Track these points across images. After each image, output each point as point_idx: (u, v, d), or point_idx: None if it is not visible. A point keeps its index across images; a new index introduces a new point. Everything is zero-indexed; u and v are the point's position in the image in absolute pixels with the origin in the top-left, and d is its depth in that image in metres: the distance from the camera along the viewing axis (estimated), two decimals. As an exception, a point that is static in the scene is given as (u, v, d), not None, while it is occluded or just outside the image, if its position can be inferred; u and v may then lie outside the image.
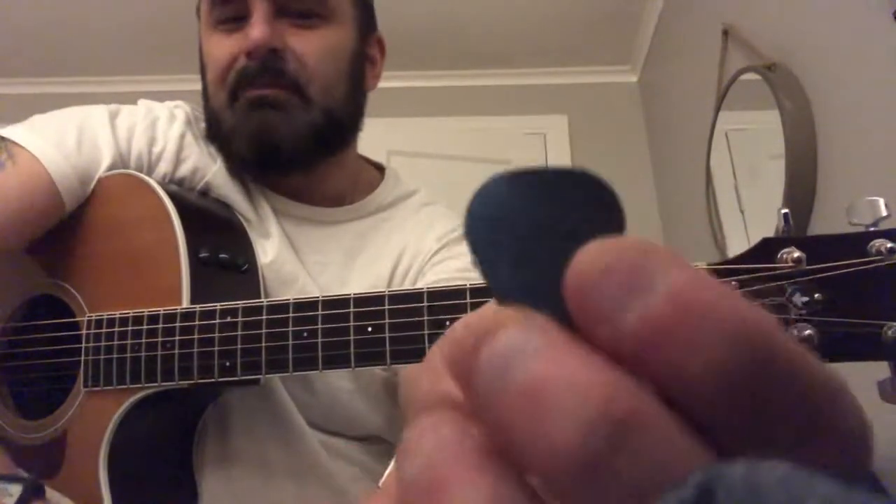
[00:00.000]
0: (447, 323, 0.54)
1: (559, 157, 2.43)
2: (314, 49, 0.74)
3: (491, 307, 0.14)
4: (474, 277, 0.74)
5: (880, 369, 0.37)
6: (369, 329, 0.56)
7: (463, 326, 0.15)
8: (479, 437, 0.13)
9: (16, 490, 0.62)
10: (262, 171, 0.77)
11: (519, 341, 0.12)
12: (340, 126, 0.78)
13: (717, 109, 1.70)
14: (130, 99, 0.83)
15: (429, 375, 0.16)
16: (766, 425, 0.12)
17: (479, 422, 0.13)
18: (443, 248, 0.77)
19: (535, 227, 0.14)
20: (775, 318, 0.12)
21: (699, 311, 0.11)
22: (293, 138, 0.73)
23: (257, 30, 0.71)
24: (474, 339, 0.13)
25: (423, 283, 0.74)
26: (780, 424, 0.12)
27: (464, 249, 0.78)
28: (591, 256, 0.12)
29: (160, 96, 0.85)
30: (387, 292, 0.57)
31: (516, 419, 0.12)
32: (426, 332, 0.54)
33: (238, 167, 0.78)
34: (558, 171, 0.15)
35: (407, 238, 0.79)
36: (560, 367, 0.12)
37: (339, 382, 0.72)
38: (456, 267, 0.74)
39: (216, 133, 0.77)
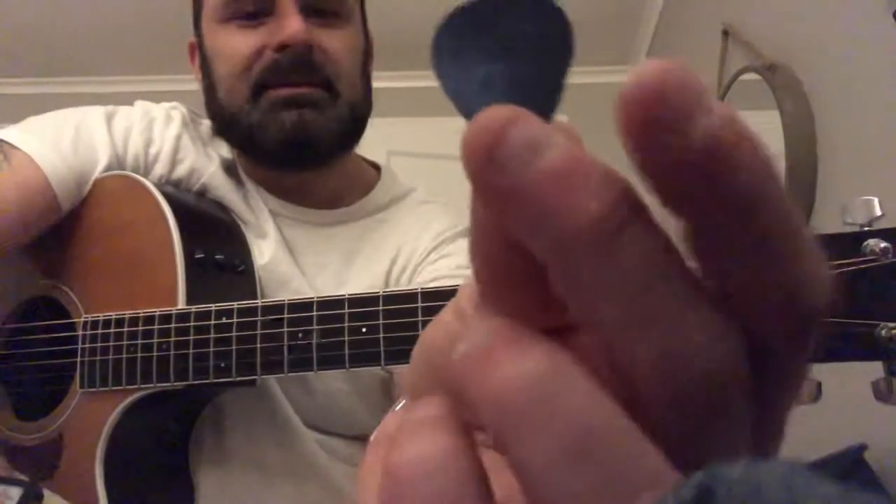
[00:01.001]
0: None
1: (559, 157, 2.42)
2: (339, 46, 0.75)
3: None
4: (469, 276, 0.74)
5: (874, 370, 0.37)
6: (364, 330, 0.56)
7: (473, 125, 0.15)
8: (526, 325, 0.14)
9: (15, 493, 0.62)
10: (284, 165, 0.77)
11: (544, 128, 0.13)
12: (361, 121, 0.79)
13: (717, 109, 1.69)
14: (128, 99, 0.83)
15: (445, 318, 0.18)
16: (763, 239, 0.13)
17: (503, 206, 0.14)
18: (438, 246, 0.77)
19: (498, 48, 0.16)
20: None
21: (742, 135, 0.13)
22: (328, 135, 0.74)
23: (294, 24, 0.71)
24: (497, 126, 0.13)
25: (419, 281, 0.74)
26: (771, 235, 0.13)
27: (459, 247, 0.78)
28: (663, 68, 0.13)
29: (158, 97, 0.85)
30: (381, 293, 0.57)
31: (549, 192, 0.13)
32: (421, 332, 0.54)
33: (259, 161, 0.78)
34: None
35: (404, 236, 0.79)
36: (582, 153, 0.13)
37: (337, 383, 0.72)
38: (453, 264, 0.75)
39: (231, 128, 0.76)
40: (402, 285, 0.76)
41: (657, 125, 0.13)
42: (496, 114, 0.13)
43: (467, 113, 0.15)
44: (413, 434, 0.15)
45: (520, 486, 0.13)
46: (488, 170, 0.13)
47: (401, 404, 0.21)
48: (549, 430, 0.12)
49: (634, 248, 0.13)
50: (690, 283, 0.13)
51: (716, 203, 0.13)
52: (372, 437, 0.20)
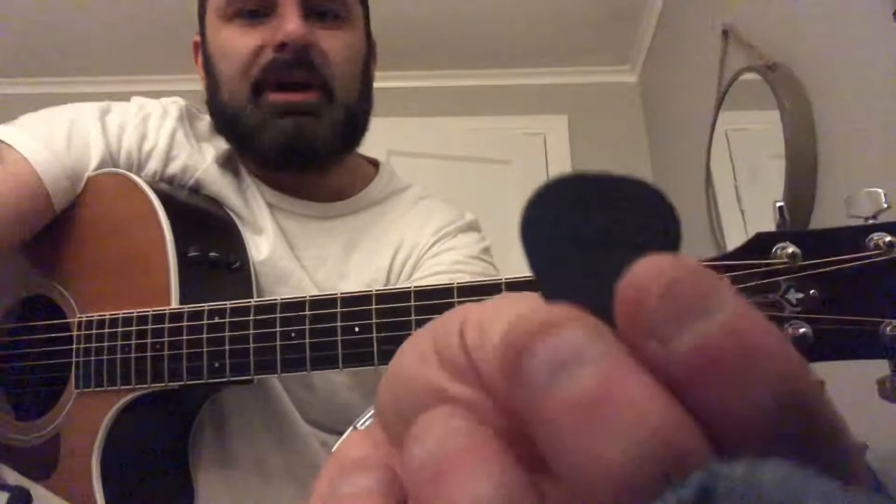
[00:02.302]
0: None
1: (559, 157, 2.43)
2: (338, 48, 0.75)
3: (533, 301, 0.13)
4: (469, 270, 0.74)
5: (879, 367, 0.37)
6: (356, 329, 0.56)
7: (488, 316, 0.14)
8: (490, 431, 0.13)
9: (2, 498, 0.62)
10: (284, 169, 0.78)
11: (579, 344, 0.12)
12: (358, 124, 0.79)
13: (717, 109, 1.70)
14: (125, 99, 0.83)
15: (421, 367, 0.16)
16: (791, 455, 0.12)
17: (507, 416, 0.13)
18: (439, 241, 0.78)
19: (594, 232, 0.14)
20: (807, 363, 0.12)
21: (752, 347, 0.11)
22: (324, 141, 0.74)
23: (294, 23, 0.72)
24: (524, 332, 0.12)
25: (419, 275, 0.74)
26: (803, 456, 0.12)
27: (459, 242, 0.78)
28: (651, 270, 0.12)
29: (157, 97, 0.85)
30: (374, 292, 0.57)
31: (569, 426, 0.11)
32: (414, 331, 0.54)
33: (259, 162, 0.78)
34: (618, 179, 0.15)
35: (404, 231, 0.79)
36: (620, 381, 0.11)
37: (338, 377, 0.72)
38: (451, 259, 0.75)
39: (232, 127, 0.77)
40: (404, 279, 0.76)
41: (640, 328, 0.12)
42: (535, 315, 0.12)
43: (543, 297, 0.14)
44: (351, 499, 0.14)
45: None
46: (513, 381, 0.12)
47: (366, 418, 0.21)
48: None
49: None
50: None
51: (721, 412, 0.11)
52: (333, 449, 0.19)
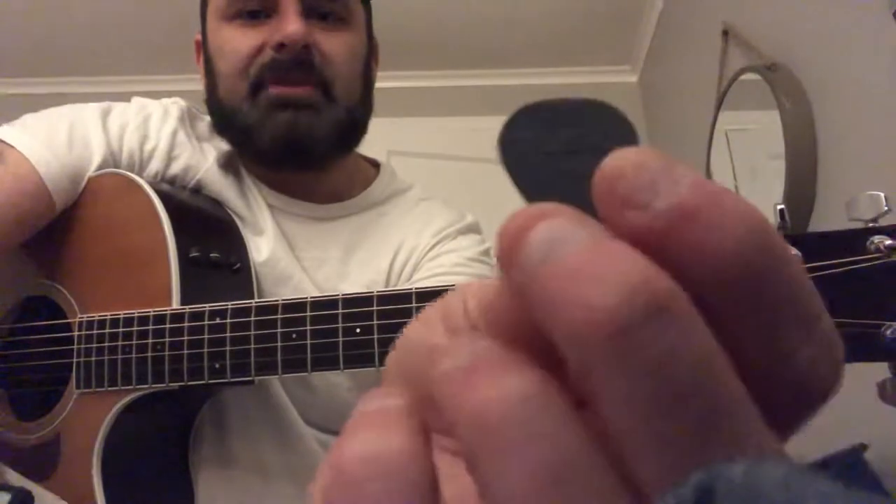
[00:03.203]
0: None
1: (559, 157, 2.43)
2: (339, 49, 0.75)
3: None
4: (469, 272, 0.74)
5: (880, 370, 0.37)
6: (357, 330, 0.56)
7: (488, 288, 0.16)
8: (514, 350, 0.14)
9: (4, 499, 0.62)
10: (281, 167, 0.78)
11: (566, 226, 0.13)
12: (358, 125, 0.79)
13: (717, 109, 1.69)
14: (126, 99, 0.83)
15: (427, 334, 0.17)
16: (765, 310, 0.13)
17: (518, 301, 0.14)
18: (439, 243, 0.78)
19: (562, 143, 0.17)
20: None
21: (719, 200, 0.13)
22: (323, 138, 0.74)
23: (294, 24, 0.72)
24: (516, 225, 0.14)
25: (419, 277, 0.74)
26: (776, 310, 0.13)
27: (459, 244, 0.78)
28: (625, 155, 0.14)
29: (157, 97, 0.85)
30: (375, 293, 0.57)
31: (560, 287, 0.12)
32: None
33: (256, 160, 0.78)
34: (579, 101, 0.17)
35: (405, 232, 0.79)
36: (605, 247, 0.13)
37: (338, 378, 0.72)
38: (451, 262, 0.75)
39: (230, 126, 0.77)
40: (404, 280, 0.76)
41: (619, 202, 0.13)
42: (527, 210, 0.14)
43: (526, 203, 0.16)
44: (366, 426, 0.14)
45: None
46: (510, 266, 0.14)
47: None
48: (522, 455, 0.12)
49: (655, 350, 0.12)
50: (729, 400, 0.12)
51: (698, 271, 0.13)
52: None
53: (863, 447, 1.03)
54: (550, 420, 0.13)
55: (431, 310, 0.18)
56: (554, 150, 0.17)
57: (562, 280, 0.13)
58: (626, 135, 0.17)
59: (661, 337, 0.12)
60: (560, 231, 0.13)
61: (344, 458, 0.14)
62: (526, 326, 0.14)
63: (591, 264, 0.12)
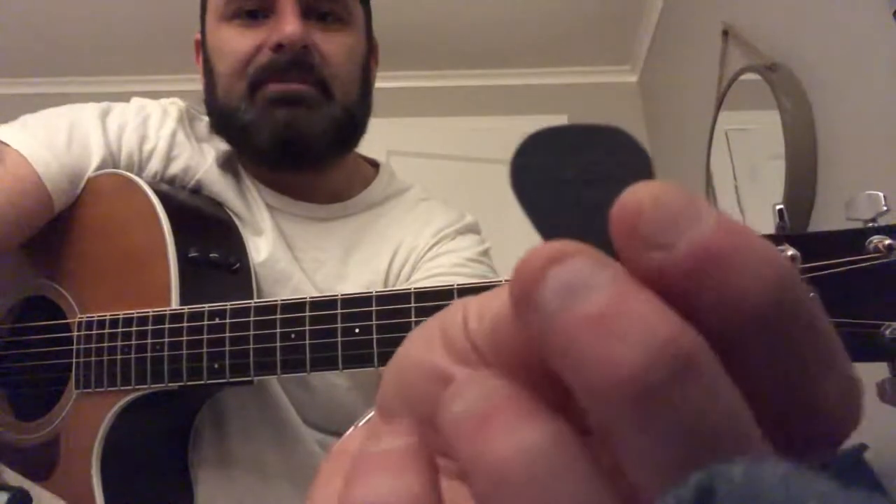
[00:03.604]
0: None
1: (559, 157, 2.42)
2: (337, 50, 0.75)
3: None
4: (467, 273, 0.74)
5: (879, 370, 0.37)
6: (356, 330, 0.56)
7: (488, 303, 0.15)
8: (525, 390, 0.13)
9: (2, 498, 0.62)
10: (279, 165, 0.77)
11: (587, 270, 0.13)
12: (356, 125, 0.79)
13: (717, 109, 1.69)
14: (125, 99, 0.83)
15: (426, 353, 0.16)
16: (791, 354, 0.13)
17: (535, 349, 0.13)
18: (438, 244, 0.77)
19: (575, 172, 0.16)
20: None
21: (747, 241, 0.12)
22: (320, 135, 0.74)
23: (292, 25, 0.72)
24: (533, 265, 0.13)
25: (418, 277, 0.74)
26: (801, 353, 0.13)
27: (458, 245, 0.78)
28: (643, 190, 0.13)
29: (157, 97, 0.85)
30: (374, 293, 0.57)
31: (582, 340, 0.12)
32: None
33: (254, 160, 0.78)
34: (591, 126, 0.17)
35: (403, 233, 0.79)
36: (628, 297, 0.12)
37: (337, 379, 0.72)
38: (450, 262, 0.75)
39: (228, 125, 0.77)
40: (402, 281, 0.76)
41: (640, 241, 0.13)
42: (544, 250, 0.13)
43: (540, 236, 0.16)
44: (376, 469, 0.14)
45: None
46: (526, 309, 0.13)
47: (367, 417, 0.21)
48: None
49: (681, 410, 0.11)
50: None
51: (725, 314, 0.12)
52: (334, 448, 0.19)
53: (863, 447, 1.02)
54: (570, 475, 0.12)
55: (429, 325, 0.17)
56: (568, 178, 0.16)
57: (584, 332, 0.12)
58: (641, 163, 0.16)
59: (687, 397, 0.11)
60: (581, 275, 0.12)
61: (352, 499, 0.13)
62: (533, 355, 0.14)
63: (615, 316, 0.12)
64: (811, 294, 0.13)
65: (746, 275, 0.12)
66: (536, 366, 0.14)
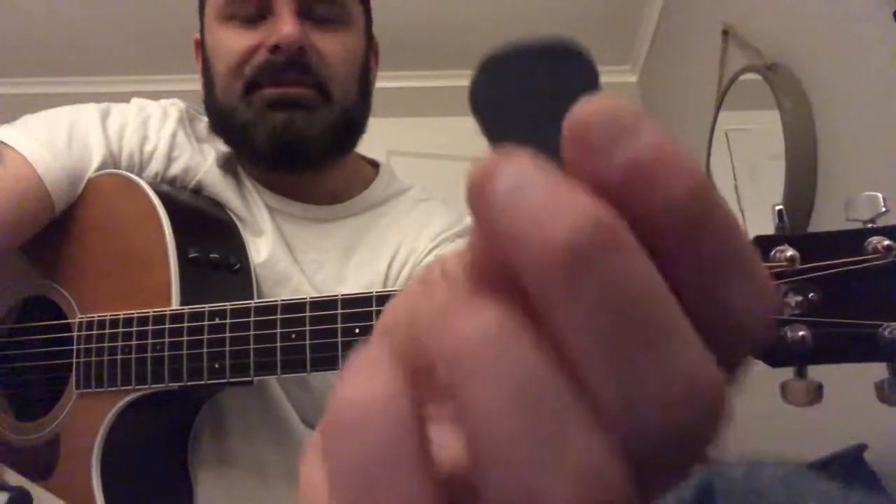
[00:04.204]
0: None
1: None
2: (335, 50, 0.75)
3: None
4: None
5: (879, 371, 0.37)
6: (357, 331, 0.56)
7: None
8: (483, 288, 0.16)
9: (2, 498, 0.62)
10: (276, 167, 0.77)
11: (530, 167, 0.15)
12: (355, 126, 0.79)
13: (717, 109, 1.69)
14: (127, 100, 0.83)
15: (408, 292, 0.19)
16: (706, 253, 0.15)
17: (486, 242, 0.16)
18: (437, 247, 0.77)
19: (531, 89, 0.18)
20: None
21: (676, 160, 0.15)
22: (318, 137, 0.74)
23: (289, 26, 0.72)
24: (484, 168, 0.15)
25: None
26: (716, 255, 0.15)
27: (458, 247, 0.78)
28: (599, 104, 0.15)
29: (157, 97, 0.85)
30: (374, 293, 0.57)
31: (522, 225, 0.14)
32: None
33: (252, 161, 0.78)
34: (545, 43, 0.18)
35: (403, 234, 0.79)
36: (562, 187, 0.14)
37: (336, 378, 0.72)
38: None
39: (226, 125, 0.77)
40: (401, 282, 0.76)
41: (586, 149, 0.15)
42: (492, 157, 0.15)
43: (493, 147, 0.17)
44: (354, 373, 0.16)
45: (463, 433, 0.15)
46: (478, 207, 0.15)
47: None
48: (496, 378, 0.14)
49: (604, 276, 0.14)
50: (672, 325, 0.14)
51: (649, 215, 0.14)
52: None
53: (863, 447, 1.03)
54: (517, 347, 0.14)
55: (413, 281, 0.20)
56: (522, 94, 0.18)
57: (523, 218, 0.14)
58: (589, 77, 0.18)
59: (608, 265, 0.14)
60: (523, 175, 0.15)
61: (338, 399, 0.16)
62: (498, 271, 0.15)
63: (548, 204, 0.14)
64: (729, 213, 0.15)
65: (672, 183, 0.14)
66: (503, 282, 0.15)
